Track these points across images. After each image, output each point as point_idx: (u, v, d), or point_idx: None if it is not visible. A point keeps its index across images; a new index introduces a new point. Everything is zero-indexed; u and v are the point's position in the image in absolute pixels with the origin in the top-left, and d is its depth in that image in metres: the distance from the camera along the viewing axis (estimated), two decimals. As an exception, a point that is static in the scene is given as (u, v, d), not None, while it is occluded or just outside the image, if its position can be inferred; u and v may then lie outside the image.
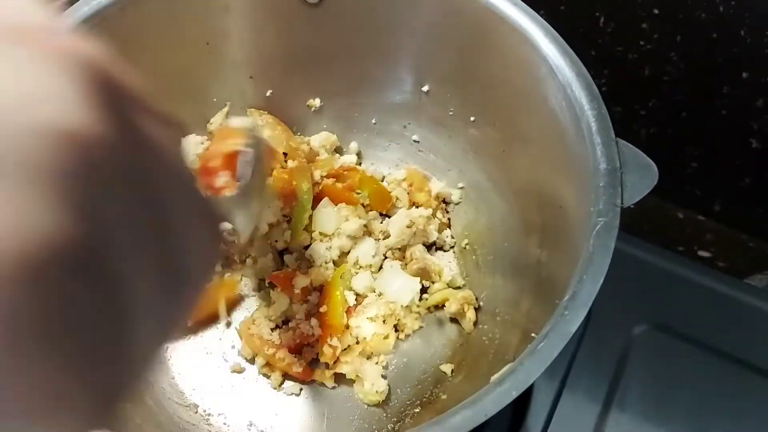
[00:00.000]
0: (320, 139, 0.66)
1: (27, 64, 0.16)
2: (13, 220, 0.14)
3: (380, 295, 0.60)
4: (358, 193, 0.64)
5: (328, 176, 0.64)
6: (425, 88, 0.62)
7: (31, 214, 0.15)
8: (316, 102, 0.66)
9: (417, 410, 0.56)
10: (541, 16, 0.51)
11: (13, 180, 0.15)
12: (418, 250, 0.61)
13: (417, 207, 0.64)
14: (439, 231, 0.64)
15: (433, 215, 0.63)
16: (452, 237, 0.65)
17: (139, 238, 0.18)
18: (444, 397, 0.56)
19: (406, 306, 0.59)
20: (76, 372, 0.16)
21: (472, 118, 0.61)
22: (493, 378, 0.40)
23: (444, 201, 0.65)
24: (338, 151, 0.68)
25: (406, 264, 0.61)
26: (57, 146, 0.15)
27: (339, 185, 0.64)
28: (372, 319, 0.58)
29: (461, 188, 0.65)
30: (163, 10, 0.55)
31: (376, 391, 0.55)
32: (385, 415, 0.56)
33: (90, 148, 0.16)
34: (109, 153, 0.17)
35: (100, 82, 0.17)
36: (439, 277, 0.61)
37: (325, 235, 0.62)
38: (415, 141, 0.67)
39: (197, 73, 0.61)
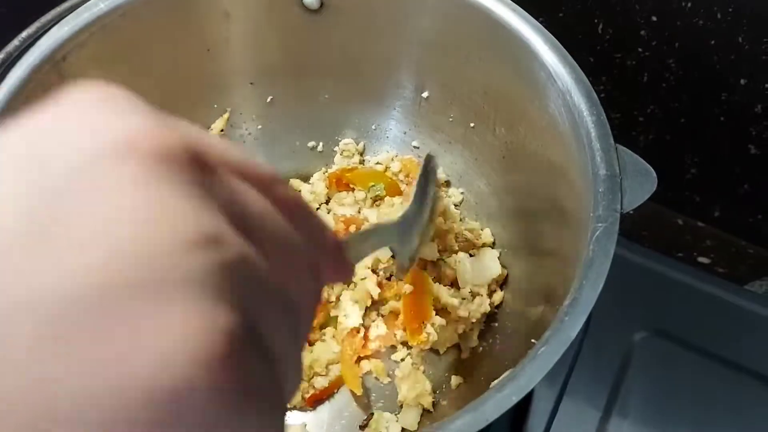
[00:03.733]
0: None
1: (149, 186, 0.16)
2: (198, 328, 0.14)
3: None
4: (373, 186, 0.64)
5: (331, 177, 0.65)
6: (425, 95, 0.63)
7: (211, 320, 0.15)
8: (316, 108, 0.66)
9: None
10: (541, 22, 0.51)
11: (192, 296, 0.15)
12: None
13: None
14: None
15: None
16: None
17: (276, 298, 0.18)
18: (444, 403, 0.56)
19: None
20: None
21: (471, 125, 0.61)
22: (494, 383, 0.40)
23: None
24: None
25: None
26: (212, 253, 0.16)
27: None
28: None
29: (461, 194, 0.65)
30: (163, 17, 0.55)
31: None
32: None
33: (233, 246, 0.16)
34: (256, 251, 0.17)
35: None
36: (479, 240, 0.61)
37: None
38: (415, 147, 0.67)
39: (198, 80, 0.61)
